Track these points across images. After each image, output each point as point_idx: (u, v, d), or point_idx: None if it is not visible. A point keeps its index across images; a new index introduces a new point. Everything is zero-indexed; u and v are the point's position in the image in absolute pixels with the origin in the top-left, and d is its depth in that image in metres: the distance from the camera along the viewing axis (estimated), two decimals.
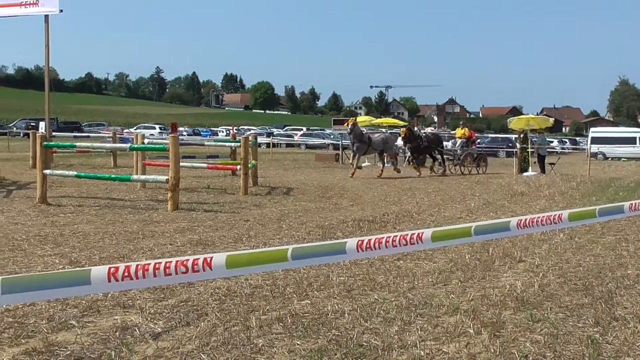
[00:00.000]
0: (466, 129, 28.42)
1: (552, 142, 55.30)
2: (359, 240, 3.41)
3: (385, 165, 24.44)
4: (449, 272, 7.47)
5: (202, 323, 5.37)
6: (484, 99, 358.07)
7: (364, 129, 26.36)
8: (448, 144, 28.15)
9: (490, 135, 79.82)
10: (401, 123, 44.03)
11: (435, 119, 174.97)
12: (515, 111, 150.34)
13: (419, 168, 24.97)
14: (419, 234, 3.55)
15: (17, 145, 38.91)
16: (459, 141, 27.78)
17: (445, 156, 26.68)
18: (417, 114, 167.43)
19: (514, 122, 29.63)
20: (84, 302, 5.81)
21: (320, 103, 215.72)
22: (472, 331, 5.26)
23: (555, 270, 7.69)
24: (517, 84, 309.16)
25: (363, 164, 24.39)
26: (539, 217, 3.95)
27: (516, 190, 18.29)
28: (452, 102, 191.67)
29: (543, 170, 27.29)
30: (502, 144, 53.53)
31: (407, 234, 3.53)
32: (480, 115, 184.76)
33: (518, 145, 29.37)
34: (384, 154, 24.38)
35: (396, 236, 3.50)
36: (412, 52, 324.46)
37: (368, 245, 3.39)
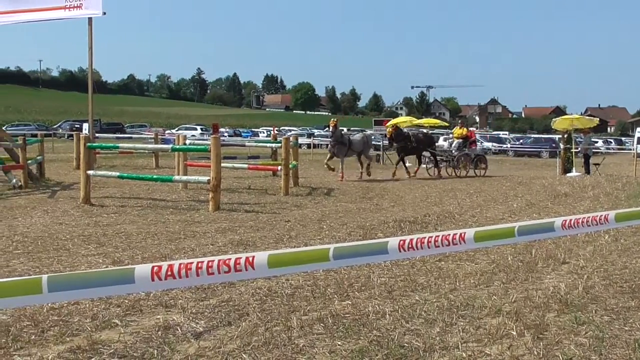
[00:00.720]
0: (465, 128, 27.31)
1: (596, 142, 54.45)
2: (400, 240, 3.38)
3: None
4: (491, 274, 7.39)
5: (244, 323, 5.39)
6: (526, 98, 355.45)
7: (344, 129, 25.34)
8: (444, 145, 27.21)
9: (533, 135, 79.01)
10: (443, 123, 43.68)
11: (477, 119, 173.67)
12: (559, 111, 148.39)
13: (396, 170, 23.75)
14: (461, 234, 3.51)
15: (62, 146, 39.53)
16: (455, 141, 26.41)
17: (439, 157, 25.43)
18: (458, 114, 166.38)
19: (558, 122, 29.21)
20: (127, 301, 5.87)
21: (361, 104, 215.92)
22: (514, 333, 5.19)
23: (600, 272, 7.55)
24: (561, 84, 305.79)
25: (407, 164, 24.09)
26: (584, 217, 3.88)
27: (559, 191, 18.00)
28: (494, 102, 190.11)
29: (588, 171, 26.87)
30: (546, 144, 52.77)
31: (449, 234, 3.50)
32: (523, 115, 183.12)
33: (562, 146, 28.90)
34: (362, 155, 23.03)
35: (438, 236, 3.47)
36: (454, 52, 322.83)
37: (410, 245, 3.37)
